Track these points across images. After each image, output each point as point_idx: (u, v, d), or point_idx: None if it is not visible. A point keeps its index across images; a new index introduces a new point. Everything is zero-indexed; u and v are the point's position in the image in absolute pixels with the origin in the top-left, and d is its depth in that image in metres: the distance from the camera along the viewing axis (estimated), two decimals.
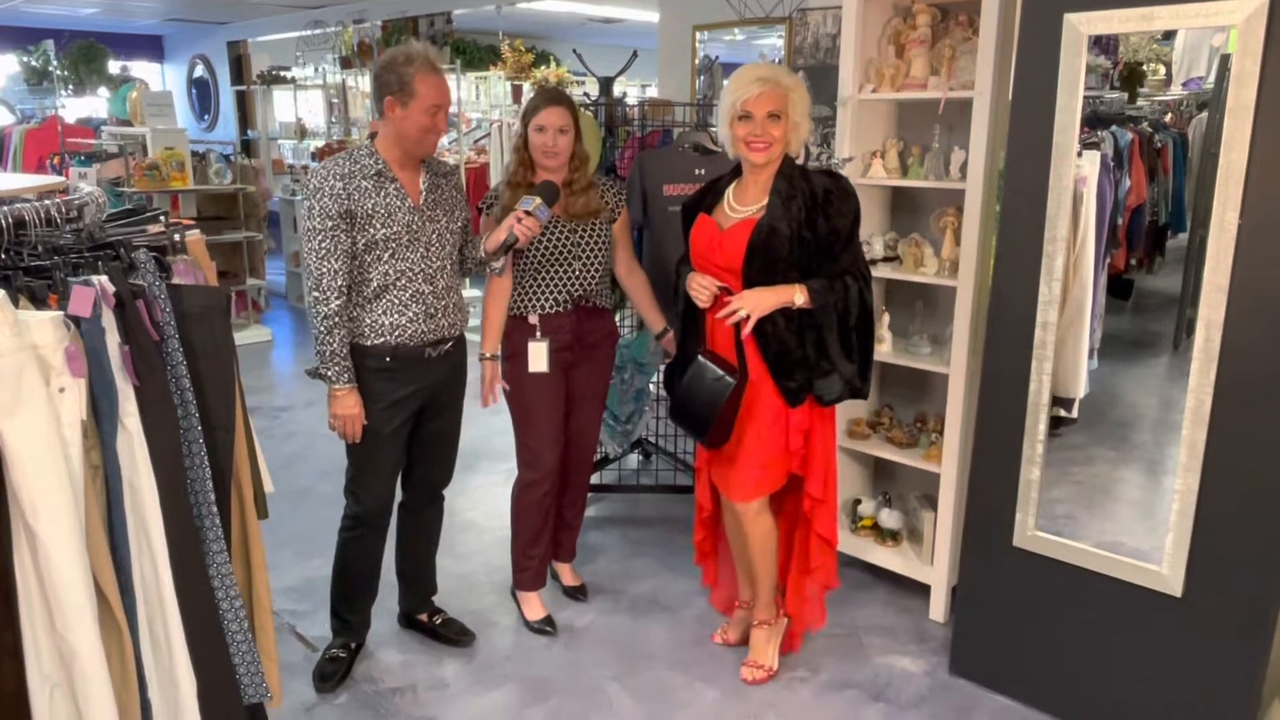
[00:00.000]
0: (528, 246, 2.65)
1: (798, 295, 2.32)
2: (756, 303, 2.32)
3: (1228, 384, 2.09)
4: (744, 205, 2.42)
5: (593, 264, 2.73)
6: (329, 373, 2.37)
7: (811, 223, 2.33)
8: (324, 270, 2.34)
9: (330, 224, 2.33)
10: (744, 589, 2.81)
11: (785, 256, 2.33)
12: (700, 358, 2.46)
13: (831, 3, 4.03)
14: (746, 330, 2.33)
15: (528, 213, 2.45)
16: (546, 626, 2.91)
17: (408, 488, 2.72)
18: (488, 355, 2.72)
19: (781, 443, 2.47)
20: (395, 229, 2.37)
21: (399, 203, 2.38)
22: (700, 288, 2.41)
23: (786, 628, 2.76)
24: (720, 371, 2.41)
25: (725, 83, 2.48)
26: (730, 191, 2.47)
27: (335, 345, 2.36)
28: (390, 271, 2.39)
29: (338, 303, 2.35)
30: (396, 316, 2.41)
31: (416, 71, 2.31)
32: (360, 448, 2.50)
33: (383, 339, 2.42)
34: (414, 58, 2.32)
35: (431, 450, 2.66)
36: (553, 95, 2.68)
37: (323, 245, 2.34)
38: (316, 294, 2.36)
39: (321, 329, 2.36)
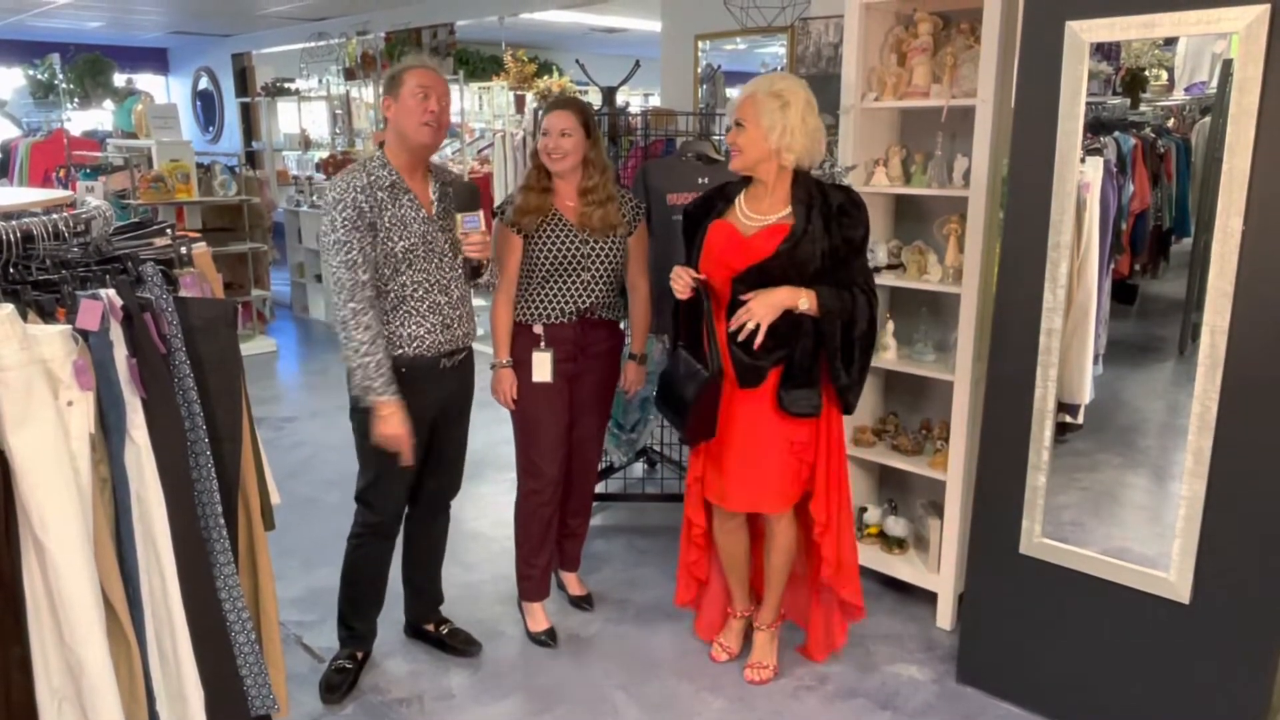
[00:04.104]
0: (537, 253, 2.66)
1: (803, 300, 2.32)
2: (766, 309, 2.31)
3: (1233, 389, 2.09)
4: (762, 213, 2.42)
5: (601, 276, 2.73)
6: (376, 384, 2.33)
7: (828, 232, 2.36)
8: (356, 281, 2.31)
9: (357, 236, 2.31)
10: (739, 601, 2.80)
11: (813, 266, 2.34)
12: (680, 351, 2.51)
13: (833, 12, 4.04)
14: (759, 341, 2.32)
15: (465, 234, 2.40)
16: (548, 639, 2.90)
17: (415, 499, 2.72)
18: (503, 363, 2.73)
19: (790, 447, 2.48)
20: (412, 240, 2.38)
21: (414, 214, 2.40)
22: (676, 277, 2.42)
23: (806, 642, 2.79)
24: (695, 365, 2.45)
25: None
26: (742, 200, 2.48)
27: (380, 355, 2.33)
28: (408, 283, 2.40)
29: (374, 313, 2.33)
30: (414, 327, 2.42)
31: (404, 69, 2.39)
32: (377, 459, 2.50)
33: (400, 350, 2.42)
34: (409, 63, 2.41)
35: (441, 462, 2.66)
36: (559, 101, 2.75)
37: (350, 256, 2.31)
38: (353, 305, 2.31)
39: (364, 340, 2.31)
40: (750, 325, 2.30)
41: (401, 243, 2.37)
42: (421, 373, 2.47)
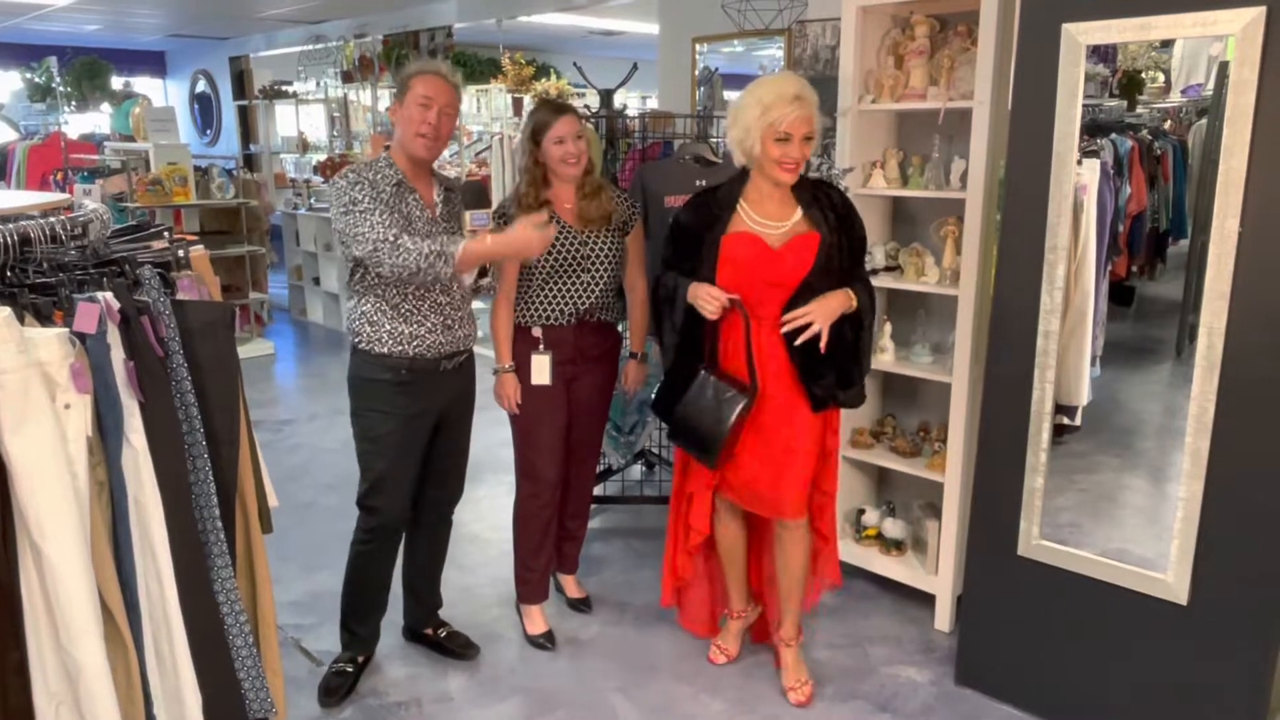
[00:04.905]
0: (538, 257, 2.65)
1: (852, 299, 2.33)
2: (827, 314, 2.29)
3: (1230, 390, 2.09)
4: (775, 220, 2.37)
5: (600, 276, 2.72)
6: (451, 249, 2.25)
7: (842, 232, 2.36)
8: (378, 223, 2.27)
9: (381, 204, 2.31)
10: (737, 600, 2.79)
11: (839, 269, 2.35)
12: (704, 373, 2.41)
13: (830, 14, 4.05)
14: (824, 344, 2.28)
15: (473, 230, 2.39)
16: (546, 642, 2.89)
17: (418, 505, 2.72)
18: (506, 368, 2.72)
19: (819, 450, 2.49)
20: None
21: (418, 212, 2.41)
22: (711, 298, 2.32)
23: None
24: (728, 388, 2.37)
25: (744, 91, 2.36)
26: (746, 206, 2.40)
27: (429, 243, 2.25)
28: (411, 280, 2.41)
29: (396, 231, 2.28)
30: (416, 326, 2.43)
31: (413, 75, 2.40)
32: (379, 461, 2.51)
33: (401, 347, 2.43)
34: (422, 68, 2.41)
35: (442, 468, 2.67)
36: (559, 106, 2.72)
37: (382, 218, 2.28)
38: (385, 244, 2.25)
39: (416, 248, 2.24)
40: (816, 327, 2.26)
41: None
42: (423, 374, 2.47)
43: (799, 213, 2.38)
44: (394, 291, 2.41)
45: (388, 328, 2.43)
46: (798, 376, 2.39)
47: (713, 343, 2.45)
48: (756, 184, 2.40)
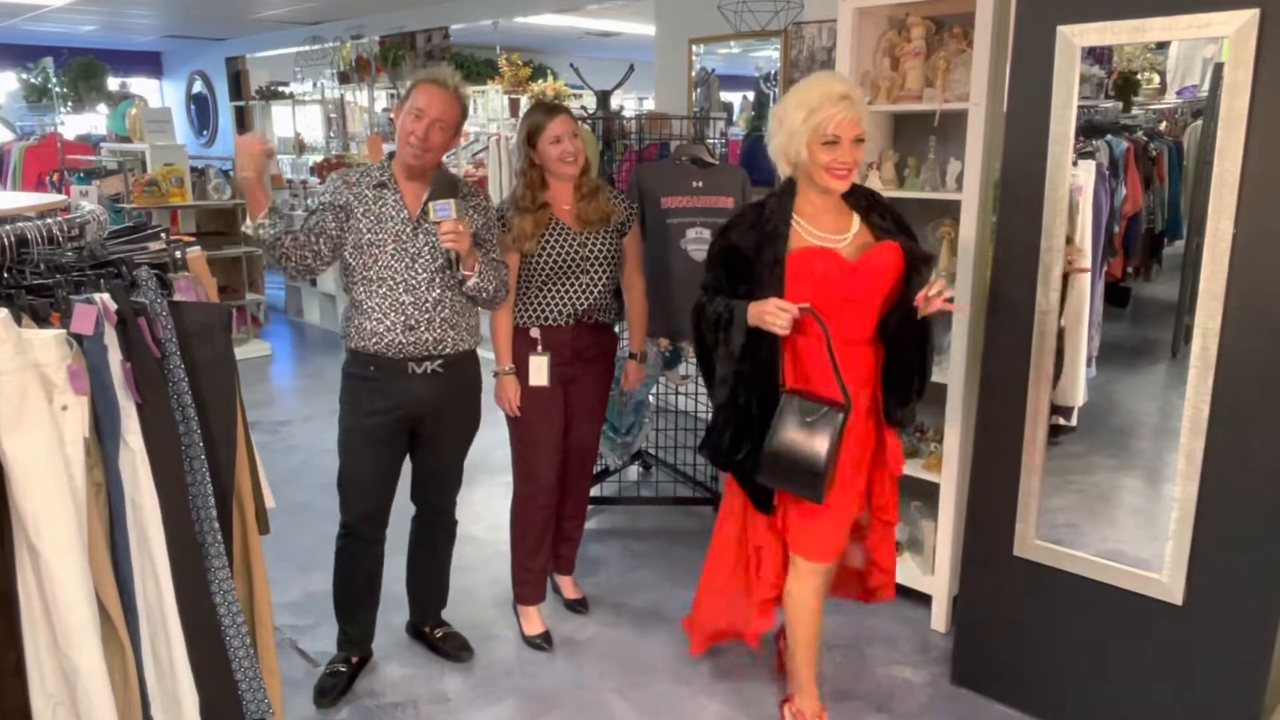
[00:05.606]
0: (539, 260, 2.65)
1: None
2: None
3: (1225, 391, 2.10)
4: (835, 232, 2.18)
5: (599, 277, 2.73)
6: (275, 229, 2.40)
7: (903, 233, 2.27)
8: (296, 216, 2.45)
9: (327, 200, 2.44)
10: (809, 695, 2.49)
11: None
12: (788, 397, 2.15)
13: (826, 16, 4.05)
14: (960, 309, 2.12)
15: (438, 223, 2.30)
16: (543, 642, 2.90)
17: (416, 507, 2.75)
18: (506, 370, 2.72)
19: (869, 478, 2.36)
20: (381, 236, 2.41)
21: (393, 212, 2.43)
22: (780, 310, 2.03)
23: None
24: (817, 406, 2.12)
25: (785, 96, 2.17)
26: (802, 221, 2.18)
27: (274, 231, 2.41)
28: (373, 277, 2.42)
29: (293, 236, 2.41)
30: (375, 324, 2.44)
31: (416, 82, 2.42)
32: (343, 453, 2.55)
33: (364, 343, 2.46)
34: (428, 75, 2.43)
35: (431, 477, 2.68)
36: (553, 107, 2.73)
37: (308, 210, 2.48)
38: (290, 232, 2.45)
39: (270, 241, 2.41)
40: (950, 291, 2.06)
41: (369, 234, 2.41)
42: (390, 374, 2.47)
43: (857, 221, 2.20)
44: (360, 288, 2.44)
45: (355, 323, 2.47)
46: (876, 392, 2.26)
47: (772, 359, 2.20)
48: (806, 196, 2.19)
